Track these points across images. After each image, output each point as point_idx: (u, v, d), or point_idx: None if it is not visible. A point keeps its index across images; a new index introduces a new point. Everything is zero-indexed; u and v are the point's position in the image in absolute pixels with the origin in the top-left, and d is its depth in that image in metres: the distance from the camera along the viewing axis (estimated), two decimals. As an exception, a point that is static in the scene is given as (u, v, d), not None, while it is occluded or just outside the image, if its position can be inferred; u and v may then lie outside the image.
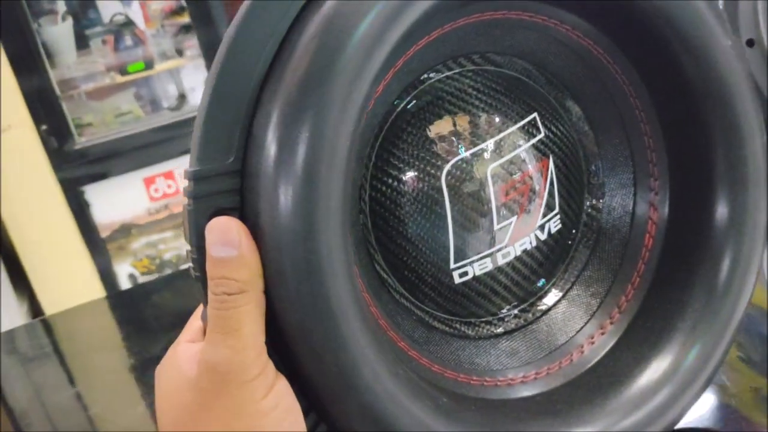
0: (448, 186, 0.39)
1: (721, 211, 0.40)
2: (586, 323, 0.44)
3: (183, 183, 0.34)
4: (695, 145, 0.41)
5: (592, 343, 0.42)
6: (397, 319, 0.40)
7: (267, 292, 0.32)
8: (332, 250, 0.31)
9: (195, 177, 0.32)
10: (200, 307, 0.38)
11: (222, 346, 0.31)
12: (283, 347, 0.32)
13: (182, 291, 0.84)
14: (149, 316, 0.82)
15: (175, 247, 1.86)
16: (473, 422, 0.35)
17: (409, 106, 0.40)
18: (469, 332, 0.42)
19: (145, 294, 0.93)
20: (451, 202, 0.39)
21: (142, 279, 1.86)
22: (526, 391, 0.39)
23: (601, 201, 0.45)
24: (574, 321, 0.44)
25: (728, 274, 0.40)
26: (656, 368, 0.39)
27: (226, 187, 0.32)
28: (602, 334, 0.43)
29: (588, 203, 0.45)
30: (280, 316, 0.32)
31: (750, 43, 0.73)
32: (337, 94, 0.31)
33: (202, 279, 0.33)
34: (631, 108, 0.43)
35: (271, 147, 0.32)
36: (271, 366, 0.32)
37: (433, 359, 0.40)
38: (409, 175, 0.40)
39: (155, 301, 0.84)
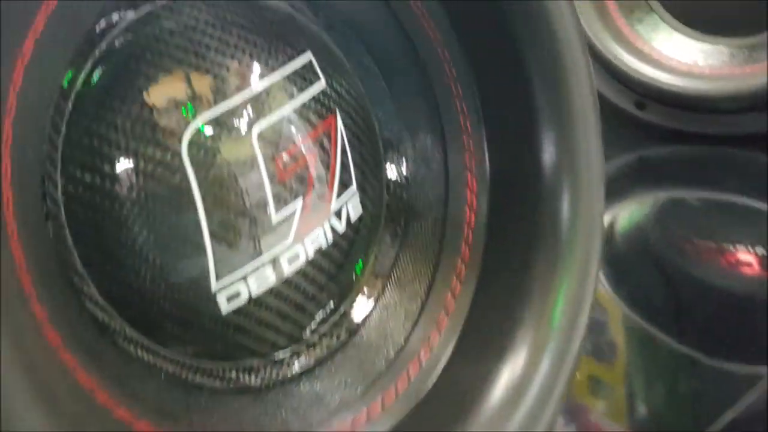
0: (194, 164, 0.25)
1: (549, 152, 0.31)
2: (410, 334, 0.32)
3: None
4: (511, 85, 0.31)
5: (431, 350, 0.30)
6: (133, 386, 0.24)
7: None
8: None
9: None
10: None
11: None
12: None
13: None
14: None
15: None
16: None
17: (101, 68, 0.25)
18: (253, 381, 0.28)
19: None
20: (201, 187, 0.25)
21: None
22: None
23: (404, 169, 0.34)
24: (394, 334, 0.32)
25: (570, 224, 0.30)
26: (507, 380, 0.29)
27: None
28: (432, 346, 0.31)
29: (390, 174, 0.34)
30: None
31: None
32: None
33: None
34: (431, 44, 0.32)
35: None
36: None
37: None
38: (132, 150, 0.25)
39: None
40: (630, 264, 0.65)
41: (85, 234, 0.25)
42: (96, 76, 0.25)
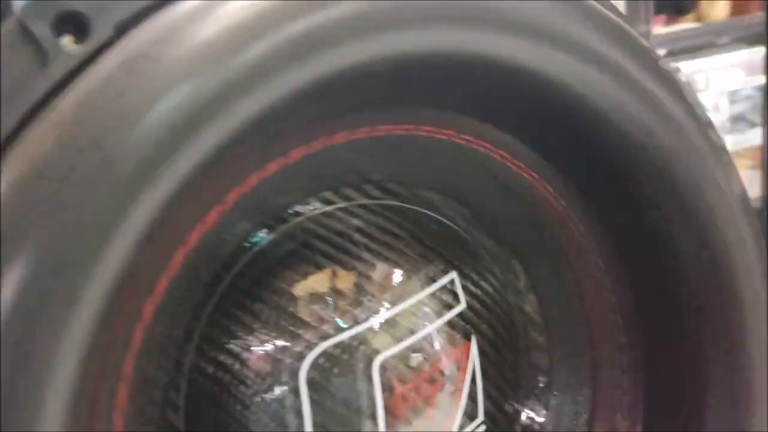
0: (310, 385, 0.25)
1: None
2: None
3: None
4: (681, 338, 0.28)
5: None
6: None
7: None
8: None
9: None
10: None
11: None
12: None
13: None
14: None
15: None
16: None
17: (266, 250, 0.27)
18: None
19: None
20: (313, 410, 0.25)
21: None
22: None
23: (544, 408, 0.31)
24: None
25: None
26: None
27: None
28: None
29: (526, 411, 0.31)
30: None
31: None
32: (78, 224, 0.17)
33: None
34: (592, 270, 0.30)
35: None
36: None
37: None
38: (252, 362, 0.25)
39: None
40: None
41: (202, 424, 0.25)
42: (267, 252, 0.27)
